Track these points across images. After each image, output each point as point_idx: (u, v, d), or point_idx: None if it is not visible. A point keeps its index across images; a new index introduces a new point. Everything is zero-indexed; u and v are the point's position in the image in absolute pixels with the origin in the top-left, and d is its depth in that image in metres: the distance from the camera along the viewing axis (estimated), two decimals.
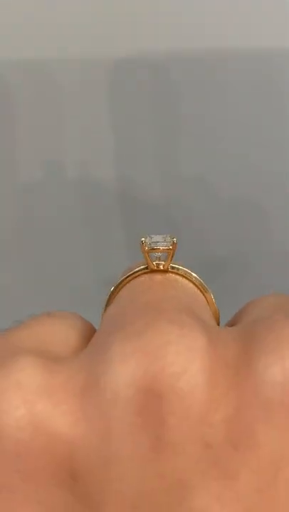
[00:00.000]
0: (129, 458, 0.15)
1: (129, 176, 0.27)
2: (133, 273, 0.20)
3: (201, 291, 0.20)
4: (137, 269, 0.20)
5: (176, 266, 0.20)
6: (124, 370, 0.15)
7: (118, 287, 0.20)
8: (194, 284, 0.20)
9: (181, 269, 0.20)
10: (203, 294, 0.20)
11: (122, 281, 0.20)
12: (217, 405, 0.15)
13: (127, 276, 0.19)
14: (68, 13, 0.26)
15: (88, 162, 0.28)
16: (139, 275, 0.20)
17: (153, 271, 0.19)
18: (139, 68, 0.26)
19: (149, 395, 0.14)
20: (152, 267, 0.19)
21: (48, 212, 0.30)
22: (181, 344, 0.15)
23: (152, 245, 0.19)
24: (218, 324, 0.20)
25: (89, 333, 0.18)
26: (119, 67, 0.27)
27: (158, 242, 0.19)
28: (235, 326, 0.18)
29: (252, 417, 0.14)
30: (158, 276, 0.19)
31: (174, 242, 0.19)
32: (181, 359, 0.15)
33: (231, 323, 0.20)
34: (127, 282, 0.20)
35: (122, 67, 0.26)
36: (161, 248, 0.19)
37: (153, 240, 0.19)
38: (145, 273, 0.19)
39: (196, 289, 0.20)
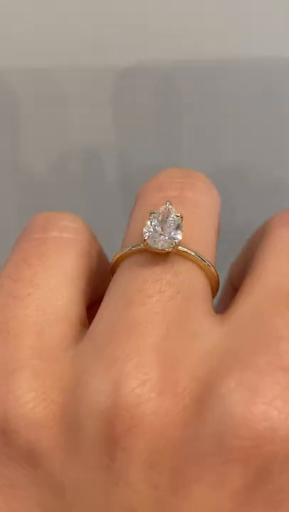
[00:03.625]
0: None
1: (132, 183, 0.28)
2: (130, 251, 0.20)
3: (208, 276, 0.20)
4: (133, 247, 0.20)
5: (184, 249, 0.19)
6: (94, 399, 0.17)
7: (115, 264, 0.20)
8: (202, 268, 0.20)
9: (189, 253, 0.20)
10: (209, 279, 0.20)
11: (118, 258, 0.20)
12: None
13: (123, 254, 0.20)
14: (72, 22, 0.27)
15: (91, 170, 0.29)
16: (136, 252, 0.20)
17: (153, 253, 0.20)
18: (142, 78, 0.27)
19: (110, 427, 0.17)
20: (153, 250, 0.19)
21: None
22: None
23: (153, 237, 0.19)
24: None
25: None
26: (123, 76, 0.27)
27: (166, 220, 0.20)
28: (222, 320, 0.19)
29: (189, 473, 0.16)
30: (157, 269, 0.19)
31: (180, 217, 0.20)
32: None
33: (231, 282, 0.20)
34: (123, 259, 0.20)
35: (125, 76, 0.27)
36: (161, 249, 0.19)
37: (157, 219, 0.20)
38: (143, 250, 0.20)
39: (198, 280, 0.20)
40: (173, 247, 0.19)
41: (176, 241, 0.19)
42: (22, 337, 0.19)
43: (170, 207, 0.20)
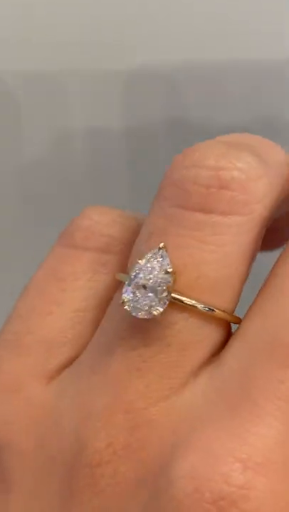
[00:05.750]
0: None
1: (136, 185, 0.27)
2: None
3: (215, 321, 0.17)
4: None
5: (179, 298, 0.16)
6: None
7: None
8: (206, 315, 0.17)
9: (185, 303, 0.16)
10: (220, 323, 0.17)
11: None
12: None
13: None
14: (77, 25, 0.26)
15: (94, 175, 0.28)
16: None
17: None
18: (144, 81, 0.26)
19: None
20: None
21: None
22: None
23: (134, 305, 0.16)
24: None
25: None
26: (125, 80, 0.26)
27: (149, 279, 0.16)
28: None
29: None
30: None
31: (168, 272, 0.16)
32: None
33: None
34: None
35: (127, 80, 0.26)
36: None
37: (139, 274, 0.16)
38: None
39: (199, 328, 0.17)
40: (156, 315, 0.16)
41: (156, 312, 0.16)
42: (30, 355, 0.19)
43: (160, 259, 0.16)
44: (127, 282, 0.16)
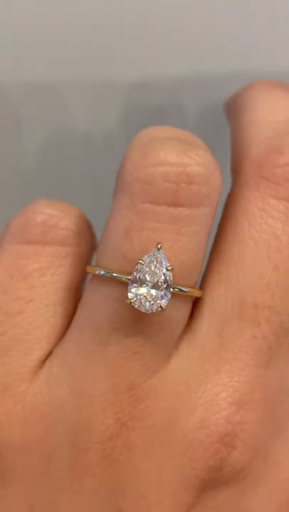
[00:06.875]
0: None
1: None
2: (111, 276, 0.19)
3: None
4: (112, 274, 0.19)
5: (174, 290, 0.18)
6: None
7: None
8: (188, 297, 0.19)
9: (176, 292, 0.18)
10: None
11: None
12: None
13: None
14: (78, 35, 0.26)
15: (94, 190, 0.28)
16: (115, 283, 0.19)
17: None
18: (144, 93, 0.27)
19: None
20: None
21: None
22: None
23: (140, 301, 0.18)
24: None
25: None
26: (125, 91, 0.27)
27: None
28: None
29: None
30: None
31: (168, 270, 0.18)
32: None
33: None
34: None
35: (128, 91, 0.26)
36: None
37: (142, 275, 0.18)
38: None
39: (181, 310, 0.19)
40: (163, 308, 0.18)
41: (164, 306, 0.18)
42: (7, 356, 0.20)
43: (161, 259, 0.18)
44: (130, 281, 0.18)
